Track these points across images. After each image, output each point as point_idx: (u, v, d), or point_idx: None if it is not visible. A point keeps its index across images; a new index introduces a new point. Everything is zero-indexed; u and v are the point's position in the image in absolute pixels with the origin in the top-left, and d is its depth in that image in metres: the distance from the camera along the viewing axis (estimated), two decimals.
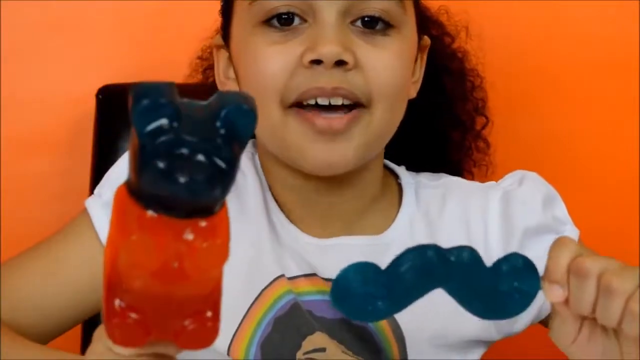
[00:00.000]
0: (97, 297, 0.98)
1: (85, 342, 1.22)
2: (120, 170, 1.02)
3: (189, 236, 0.61)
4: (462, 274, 0.73)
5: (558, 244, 0.75)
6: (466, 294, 0.74)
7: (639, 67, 1.39)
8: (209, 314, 0.65)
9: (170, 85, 0.61)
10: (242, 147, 0.61)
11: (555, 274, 0.74)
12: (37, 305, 0.98)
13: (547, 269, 0.74)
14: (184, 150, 0.59)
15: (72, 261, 0.99)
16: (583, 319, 0.76)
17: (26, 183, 1.36)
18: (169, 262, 0.61)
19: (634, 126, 1.39)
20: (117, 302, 0.64)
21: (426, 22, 1.07)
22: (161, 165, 0.59)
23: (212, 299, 0.65)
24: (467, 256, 0.73)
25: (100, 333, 0.70)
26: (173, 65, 1.24)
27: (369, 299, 0.72)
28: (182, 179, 0.59)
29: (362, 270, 0.73)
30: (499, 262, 0.74)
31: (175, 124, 0.59)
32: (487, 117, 1.15)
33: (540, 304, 1.01)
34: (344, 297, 0.73)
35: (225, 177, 0.60)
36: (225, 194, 0.61)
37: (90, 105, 1.29)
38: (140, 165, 0.59)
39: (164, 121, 0.59)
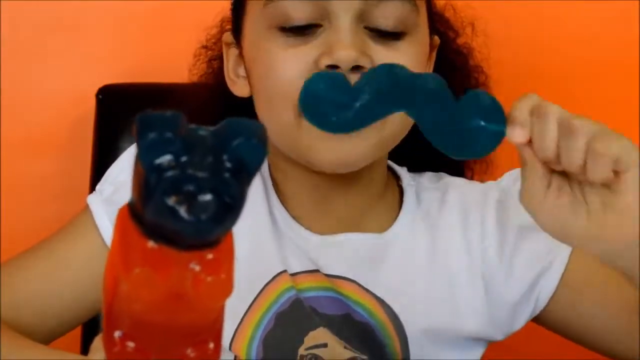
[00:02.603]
0: (98, 297, 0.98)
1: (86, 343, 1.22)
2: (121, 168, 1.02)
3: (194, 268, 0.59)
4: (427, 99, 0.75)
5: (522, 96, 0.76)
6: (431, 123, 0.76)
7: (639, 67, 1.39)
8: (211, 344, 0.64)
9: (177, 115, 0.59)
10: (250, 180, 0.59)
11: (519, 115, 0.75)
12: (38, 304, 0.98)
13: (510, 113, 0.75)
14: (191, 187, 0.57)
15: (73, 260, 0.99)
16: (551, 173, 0.76)
17: (26, 183, 1.36)
18: (171, 295, 0.60)
19: (634, 126, 1.39)
20: (117, 333, 0.62)
21: (434, 15, 1.07)
22: (167, 201, 0.57)
23: (215, 329, 0.64)
24: (433, 82, 0.75)
25: (98, 345, 0.69)
26: (173, 65, 1.24)
27: (334, 107, 0.76)
28: (188, 217, 0.57)
29: (332, 79, 0.77)
30: (466, 99, 0.75)
31: (182, 159, 0.57)
32: None
33: (535, 298, 1.01)
34: (311, 102, 0.76)
35: (232, 213, 0.58)
36: (231, 228, 0.59)
37: (90, 105, 1.29)
38: (145, 198, 0.58)
39: (170, 157, 0.57)
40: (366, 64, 0.92)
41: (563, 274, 1.00)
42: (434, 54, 1.04)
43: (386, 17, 0.94)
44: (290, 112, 0.93)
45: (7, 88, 1.34)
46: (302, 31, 0.94)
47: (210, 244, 0.59)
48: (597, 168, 0.73)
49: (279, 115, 0.94)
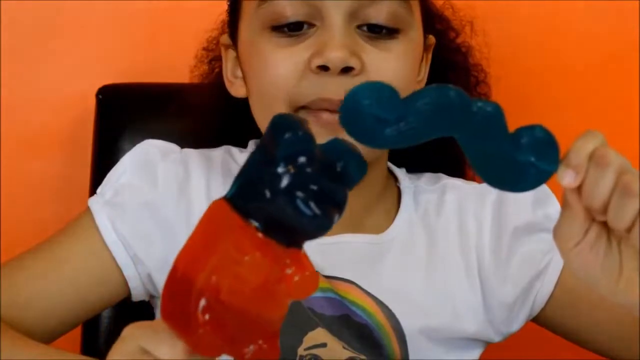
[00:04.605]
0: (98, 296, 1.00)
1: (86, 343, 1.22)
2: (122, 171, 1.02)
3: (289, 265, 0.66)
4: (479, 127, 0.69)
5: (585, 132, 0.71)
6: (478, 151, 0.70)
7: (639, 67, 1.39)
8: (271, 338, 0.68)
9: (306, 121, 0.67)
10: (350, 189, 0.67)
11: (575, 158, 0.69)
12: (39, 304, 0.98)
13: (568, 153, 0.70)
14: (315, 187, 0.65)
15: (74, 260, 0.99)
16: (592, 220, 0.72)
17: (26, 183, 1.36)
18: (267, 285, 0.66)
19: (634, 126, 1.39)
20: (201, 307, 0.66)
21: (431, 17, 1.08)
22: (297, 197, 0.64)
23: (278, 325, 0.69)
24: (490, 110, 0.69)
25: (132, 332, 0.70)
26: (173, 65, 1.24)
27: (377, 122, 0.68)
28: (311, 213, 0.65)
29: (378, 91, 0.69)
30: (519, 131, 0.69)
31: (308, 160, 0.65)
32: None
33: (532, 300, 1.02)
34: (352, 115, 0.69)
35: (339, 215, 0.66)
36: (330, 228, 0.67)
37: (90, 105, 1.28)
38: (273, 191, 0.64)
39: (304, 154, 0.65)
40: (356, 65, 0.93)
41: (560, 276, 1.01)
42: (430, 55, 1.05)
43: (378, 16, 0.95)
44: (285, 109, 0.95)
45: (7, 88, 1.34)
46: (295, 31, 0.95)
47: (299, 244, 0.67)
48: None
49: (273, 112, 0.94)
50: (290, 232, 0.66)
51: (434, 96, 0.68)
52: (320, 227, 0.66)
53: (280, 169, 0.65)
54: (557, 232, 0.74)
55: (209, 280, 0.65)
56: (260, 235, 0.66)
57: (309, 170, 0.65)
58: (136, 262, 0.99)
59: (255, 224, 0.66)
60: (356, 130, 0.69)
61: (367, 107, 0.68)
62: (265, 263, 0.65)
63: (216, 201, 0.67)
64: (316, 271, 0.67)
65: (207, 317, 0.66)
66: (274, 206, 0.65)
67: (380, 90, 0.69)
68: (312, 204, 0.64)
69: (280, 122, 0.66)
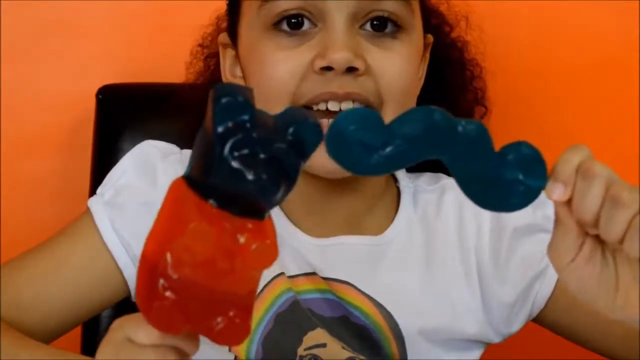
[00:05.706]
0: (98, 297, 1.00)
1: (85, 342, 1.23)
2: (121, 171, 1.02)
3: (243, 233, 0.65)
4: (465, 148, 0.69)
5: (571, 147, 0.71)
6: (466, 172, 0.69)
7: (639, 67, 1.39)
8: (242, 313, 0.68)
9: (250, 90, 0.66)
10: (306, 157, 0.66)
11: (563, 173, 0.70)
12: (39, 304, 0.98)
13: (555, 167, 0.70)
14: (258, 150, 0.64)
15: (74, 261, 0.99)
16: (585, 235, 0.72)
17: (26, 183, 1.36)
18: (220, 255, 0.65)
19: (634, 126, 1.39)
20: (160, 285, 0.66)
21: (427, 14, 1.08)
22: (237, 160, 0.63)
23: (248, 300, 0.68)
24: (475, 130, 0.69)
25: (120, 323, 0.71)
26: (173, 65, 1.23)
27: (363, 148, 0.68)
28: (253, 177, 0.63)
29: (363, 117, 0.69)
30: (506, 149, 0.69)
31: (250, 125, 0.64)
32: (486, 107, 1.16)
33: (532, 301, 1.02)
34: (338, 142, 0.68)
35: (289, 183, 0.65)
36: (282, 200, 0.66)
37: (90, 105, 1.29)
38: (213, 158, 0.64)
39: (243, 119, 0.64)
40: (360, 66, 0.93)
41: (559, 278, 1.01)
42: (428, 54, 1.05)
43: (380, 13, 0.95)
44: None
45: (7, 88, 1.34)
46: (298, 32, 0.95)
47: (257, 215, 0.66)
48: (635, 244, 0.69)
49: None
50: (242, 201, 0.64)
51: (419, 119, 0.69)
52: (265, 191, 0.64)
53: (216, 135, 0.63)
54: (552, 249, 0.74)
55: (166, 259, 0.66)
56: (210, 204, 0.65)
57: (250, 134, 0.64)
58: (136, 263, 0.99)
59: (210, 200, 0.65)
60: (342, 157, 0.69)
61: (353, 133, 0.68)
62: (212, 232, 0.65)
63: (175, 180, 0.67)
64: (276, 243, 0.66)
65: (167, 293, 0.66)
66: (218, 175, 0.64)
67: (366, 117, 0.69)
68: (255, 167, 0.63)
69: (220, 89, 0.65)
